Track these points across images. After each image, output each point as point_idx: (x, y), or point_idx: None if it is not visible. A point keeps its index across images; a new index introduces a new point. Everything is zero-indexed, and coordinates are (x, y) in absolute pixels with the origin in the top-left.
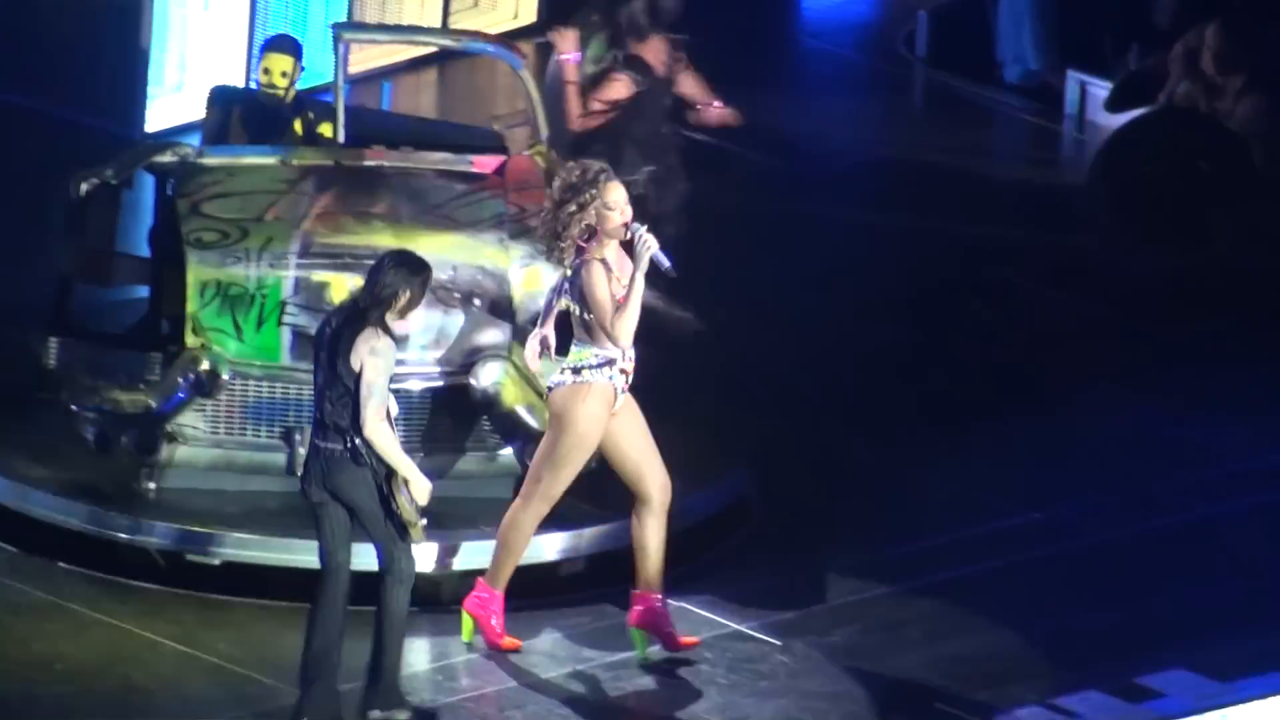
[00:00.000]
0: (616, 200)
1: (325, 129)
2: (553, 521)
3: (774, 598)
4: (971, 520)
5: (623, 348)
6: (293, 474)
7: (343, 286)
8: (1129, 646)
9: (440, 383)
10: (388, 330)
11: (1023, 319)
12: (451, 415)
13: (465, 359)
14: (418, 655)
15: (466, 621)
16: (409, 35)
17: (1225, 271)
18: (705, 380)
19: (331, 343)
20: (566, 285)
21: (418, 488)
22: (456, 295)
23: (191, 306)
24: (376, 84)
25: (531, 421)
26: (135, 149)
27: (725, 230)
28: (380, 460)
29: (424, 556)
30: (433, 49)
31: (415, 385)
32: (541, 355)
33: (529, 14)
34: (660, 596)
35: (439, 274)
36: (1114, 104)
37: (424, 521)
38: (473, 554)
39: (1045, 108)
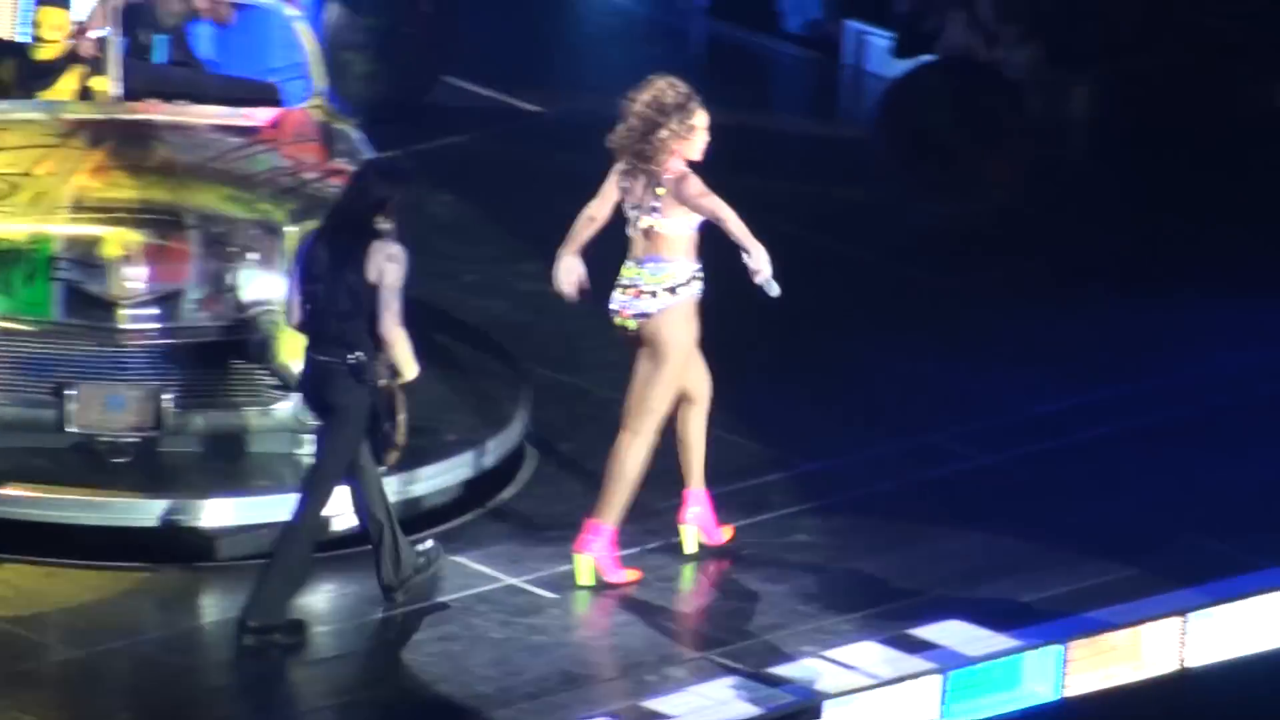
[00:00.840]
0: (702, 123)
1: (98, 83)
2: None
3: (549, 550)
4: (751, 472)
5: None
6: (61, 430)
7: (116, 241)
8: (904, 596)
9: (216, 337)
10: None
11: (802, 270)
12: (227, 369)
13: (241, 312)
14: (189, 614)
15: (582, 564)
16: None
17: (1002, 219)
18: (487, 331)
19: (336, 258)
20: (655, 203)
21: (409, 373)
22: (231, 249)
23: None
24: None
25: None
26: None
27: (506, 182)
28: (376, 380)
29: (203, 513)
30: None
31: (191, 339)
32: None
33: None
34: (705, 490)
35: (213, 228)
36: (900, 52)
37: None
38: (250, 510)
39: (824, 57)
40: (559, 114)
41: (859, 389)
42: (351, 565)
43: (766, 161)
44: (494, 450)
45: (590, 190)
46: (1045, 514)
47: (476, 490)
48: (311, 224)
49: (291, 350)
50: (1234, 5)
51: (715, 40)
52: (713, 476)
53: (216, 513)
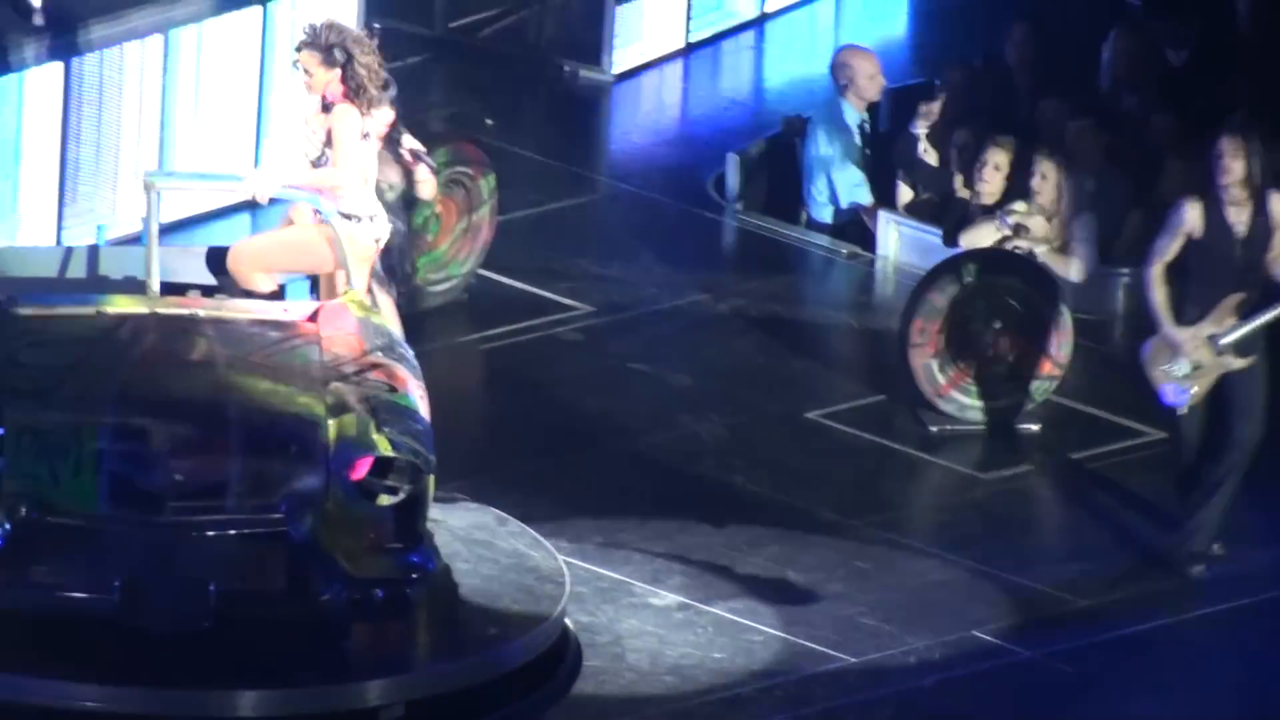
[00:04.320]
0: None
1: None
2: (371, 669)
3: None
4: None
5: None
6: (110, 623)
7: (161, 434)
8: None
9: (258, 529)
10: None
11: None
12: (270, 562)
13: (281, 506)
14: None
15: None
16: (219, 183)
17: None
18: (526, 522)
19: None
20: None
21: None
22: (272, 442)
23: (7, 454)
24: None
25: (349, 567)
26: None
27: (549, 376)
28: None
29: (247, 704)
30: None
31: (232, 532)
32: None
33: None
34: None
35: (255, 422)
36: (949, 239)
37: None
38: (307, 700)
39: (857, 249)
40: (598, 307)
41: None
42: None
43: (805, 351)
44: (535, 643)
45: (630, 386)
46: None
47: (518, 683)
48: (351, 418)
49: (333, 542)
50: None
51: (746, 232)
52: None
53: (261, 704)
